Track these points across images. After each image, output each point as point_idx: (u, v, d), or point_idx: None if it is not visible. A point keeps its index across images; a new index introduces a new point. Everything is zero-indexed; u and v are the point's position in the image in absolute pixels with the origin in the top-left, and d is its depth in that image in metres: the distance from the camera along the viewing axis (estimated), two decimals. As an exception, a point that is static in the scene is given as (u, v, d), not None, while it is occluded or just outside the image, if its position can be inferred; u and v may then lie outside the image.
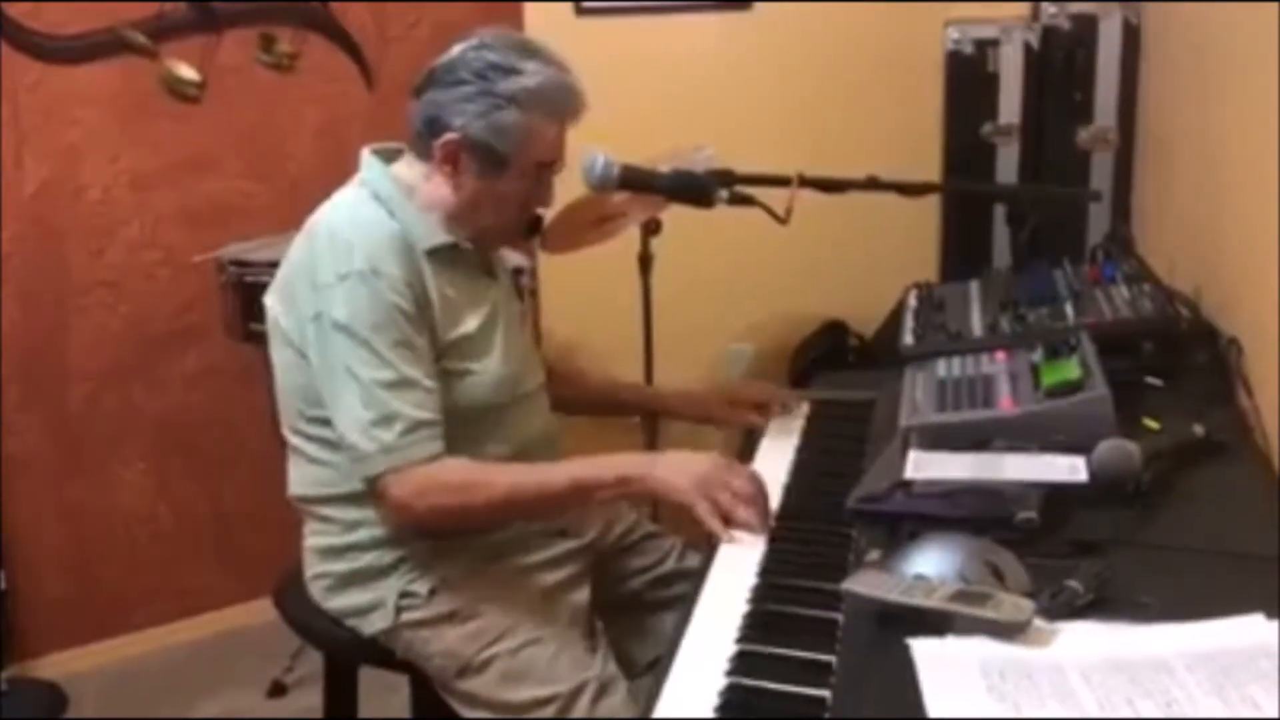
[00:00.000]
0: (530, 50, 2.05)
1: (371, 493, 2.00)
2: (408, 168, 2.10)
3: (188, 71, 3.30)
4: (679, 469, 1.93)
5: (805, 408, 2.40)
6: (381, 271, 1.95)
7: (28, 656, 3.34)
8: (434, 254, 2.04)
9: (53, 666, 3.36)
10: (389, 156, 2.14)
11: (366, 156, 2.13)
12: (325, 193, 2.15)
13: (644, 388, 2.79)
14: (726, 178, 2.30)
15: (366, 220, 2.02)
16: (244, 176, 3.45)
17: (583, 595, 2.15)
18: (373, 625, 2.09)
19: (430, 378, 1.98)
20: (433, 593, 2.06)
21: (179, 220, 3.38)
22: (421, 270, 2.01)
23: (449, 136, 2.02)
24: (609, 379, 2.53)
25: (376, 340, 1.94)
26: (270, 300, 2.13)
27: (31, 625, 3.34)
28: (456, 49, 2.04)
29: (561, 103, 2.05)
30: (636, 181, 2.32)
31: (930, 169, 3.25)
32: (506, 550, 2.11)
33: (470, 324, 2.07)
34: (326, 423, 2.02)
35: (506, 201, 2.09)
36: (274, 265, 3.04)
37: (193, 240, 3.34)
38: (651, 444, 2.97)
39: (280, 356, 2.10)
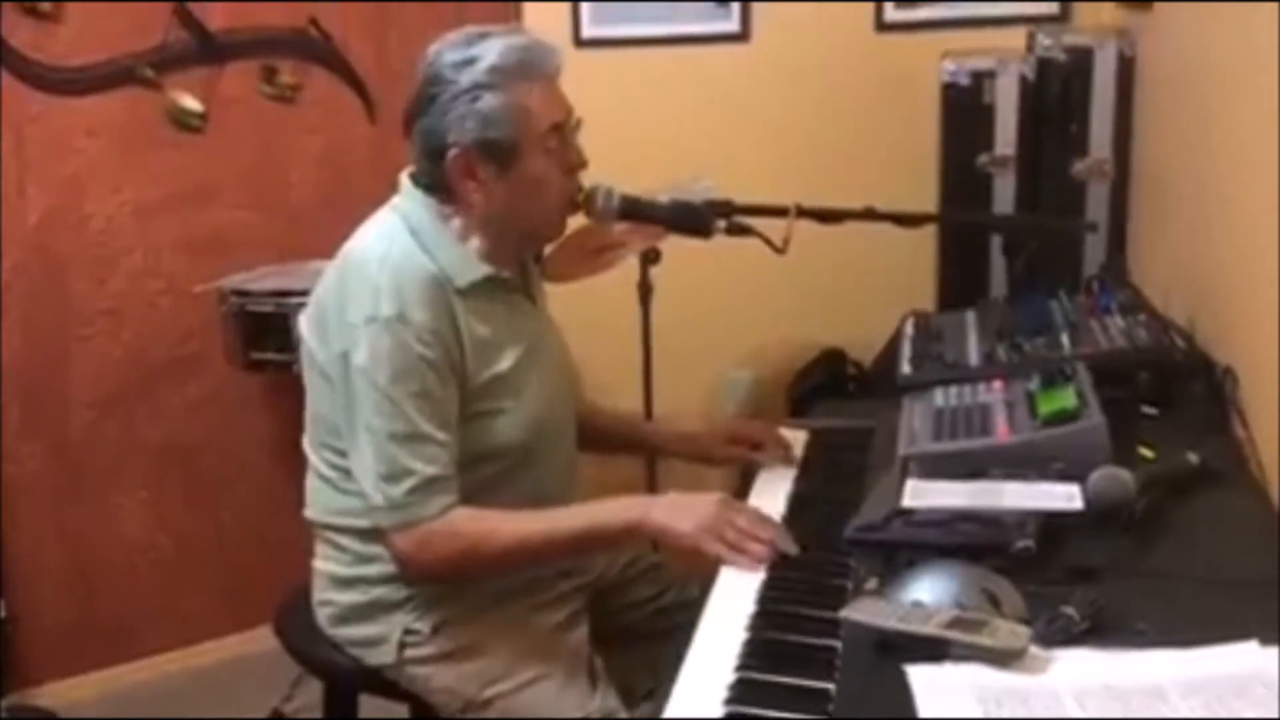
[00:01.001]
0: (480, 34, 2.00)
1: (378, 535, 2.01)
2: (436, 200, 2.04)
3: (191, 102, 3.32)
4: (682, 512, 1.92)
5: (803, 436, 2.41)
6: (408, 319, 1.91)
7: (28, 684, 3.34)
8: (470, 290, 2.00)
9: (52, 695, 3.36)
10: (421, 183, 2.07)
11: (404, 180, 2.08)
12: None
13: (643, 426, 2.74)
14: (725, 208, 2.31)
15: (398, 260, 1.96)
16: (245, 206, 3.47)
17: (582, 632, 2.16)
18: (376, 658, 2.10)
19: (447, 429, 1.95)
20: (435, 631, 2.07)
21: (181, 249, 3.40)
22: (454, 312, 1.97)
23: (453, 153, 1.97)
24: (613, 416, 2.52)
25: (395, 390, 1.91)
26: (304, 326, 2.09)
27: (31, 653, 3.34)
28: (419, 72, 2.01)
29: (530, 62, 1.99)
30: (636, 212, 2.33)
31: (927, 199, 3.28)
32: (511, 593, 2.11)
33: (505, 362, 2.04)
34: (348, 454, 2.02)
35: (542, 183, 2.02)
36: (275, 295, 3.13)
37: (194, 269, 3.36)
38: (651, 475, 2.98)
39: (312, 381, 2.08)
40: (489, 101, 1.95)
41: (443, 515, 1.93)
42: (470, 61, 1.96)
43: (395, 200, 2.08)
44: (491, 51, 1.96)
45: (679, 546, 1.92)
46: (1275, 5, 1.82)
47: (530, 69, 1.99)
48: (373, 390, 1.92)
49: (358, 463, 1.97)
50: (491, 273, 2.03)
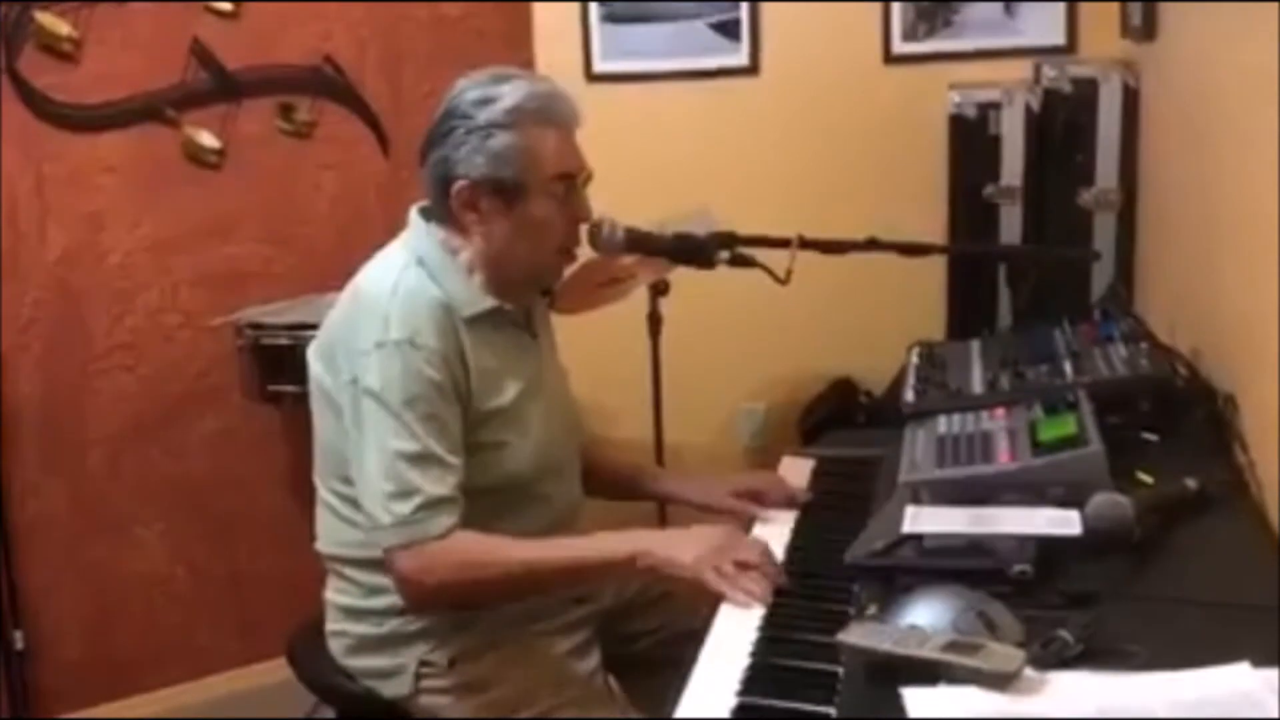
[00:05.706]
0: (505, 75, 2.06)
1: (384, 563, 2.02)
2: (445, 232, 2.10)
3: (209, 139, 3.37)
4: (683, 544, 1.94)
5: (811, 464, 2.42)
6: (418, 344, 1.95)
7: (45, 716, 3.36)
8: (475, 320, 2.04)
9: (69, 727, 3.38)
10: (432, 213, 2.13)
11: (413, 216, 2.13)
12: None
13: (648, 474, 2.73)
14: (728, 239, 2.34)
15: (408, 289, 2.01)
16: (262, 241, 3.50)
17: (595, 658, 2.18)
18: (391, 689, 2.12)
19: (454, 453, 1.98)
20: (452, 663, 2.09)
21: (198, 284, 3.43)
22: (461, 341, 2.01)
23: (459, 185, 2.02)
24: (620, 462, 2.54)
25: (406, 412, 1.94)
26: (312, 358, 2.13)
27: (48, 685, 3.36)
28: (442, 105, 2.06)
29: (548, 109, 2.04)
30: (640, 244, 2.37)
31: (936, 229, 3.29)
32: (524, 620, 2.13)
33: (508, 394, 2.07)
34: None
35: (543, 226, 2.07)
36: (291, 329, 3.16)
37: (211, 304, 3.40)
38: (661, 515, 2.97)
39: (320, 412, 2.12)
40: (501, 140, 2.00)
41: (446, 536, 1.95)
42: (490, 100, 2.01)
43: (404, 234, 2.13)
44: (512, 93, 2.02)
45: (680, 578, 1.94)
46: (1277, 37, 1.84)
47: (547, 115, 2.04)
48: (384, 412, 1.95)
49: (365, 486, 1.99)
50: (496, 305, 2.07)
